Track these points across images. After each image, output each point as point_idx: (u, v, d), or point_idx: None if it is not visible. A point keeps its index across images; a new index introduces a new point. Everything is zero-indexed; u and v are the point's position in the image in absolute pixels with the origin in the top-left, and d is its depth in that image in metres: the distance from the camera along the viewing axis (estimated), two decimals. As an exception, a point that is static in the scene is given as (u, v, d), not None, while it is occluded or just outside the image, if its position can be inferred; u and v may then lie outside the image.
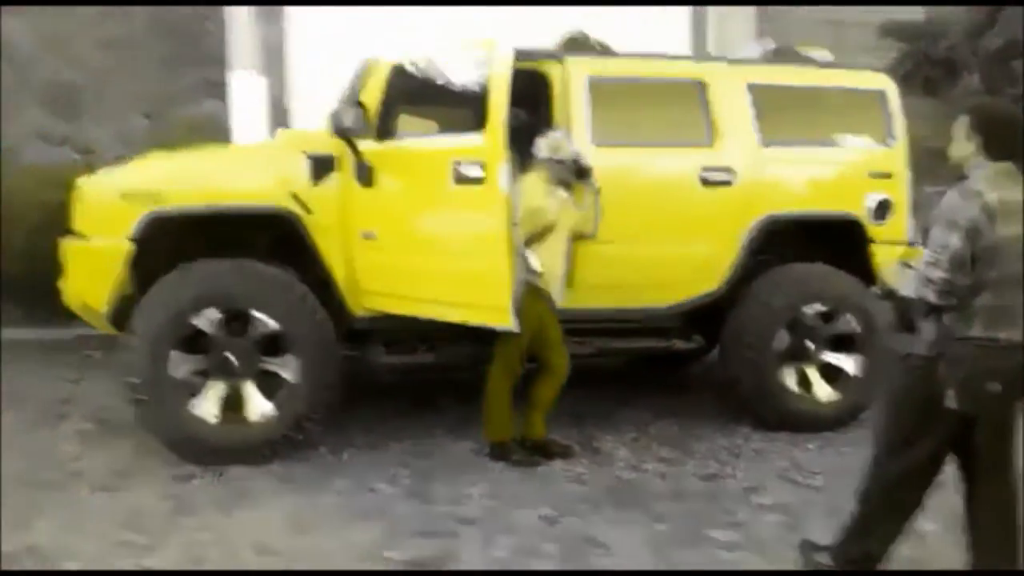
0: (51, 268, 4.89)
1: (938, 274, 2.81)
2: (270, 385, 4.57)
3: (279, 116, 8.42)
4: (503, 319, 4.16)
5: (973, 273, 2.79)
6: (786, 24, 9.46)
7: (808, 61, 5.59)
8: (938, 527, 3.65)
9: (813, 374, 5.23)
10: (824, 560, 3.24)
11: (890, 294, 3.14)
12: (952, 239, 2.79)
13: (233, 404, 4.54)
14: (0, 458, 4.49)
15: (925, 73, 9.23)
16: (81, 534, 3.64)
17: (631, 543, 3.62)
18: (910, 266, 3.07)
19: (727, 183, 5.12)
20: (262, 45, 8.37)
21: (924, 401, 2.95)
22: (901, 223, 5.33)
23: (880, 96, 5.50)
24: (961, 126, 2.97)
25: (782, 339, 5.11)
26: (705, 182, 5.10)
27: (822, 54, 5.76)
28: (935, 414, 2.91)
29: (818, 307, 5.14)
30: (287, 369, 4.54)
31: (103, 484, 4.22)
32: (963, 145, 2.95)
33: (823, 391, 5.21)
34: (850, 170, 5.38)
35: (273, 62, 8.51)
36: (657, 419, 5.41)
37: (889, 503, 3.09)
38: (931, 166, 2.94)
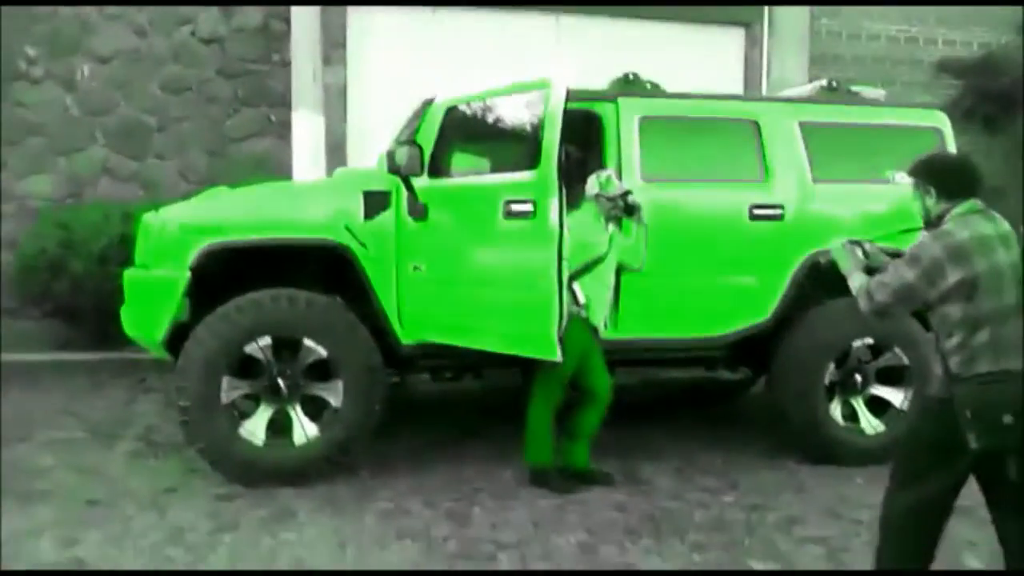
0: (111, 296, 5.05)
1: (881, 297, 2.91)
2: (316, 409, 4.67)
3: (338, 155, 8.64)
4: (549, 351, 4.18)
5: (961, 308, 2.81)
6: (840, 64, 9.47)
7: (861, 99, 5.57)
8: (981, 564, 3.62)
9: (860, 407, 5.17)
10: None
11: (833, 266, 3.24)
12: (909, 273, 2.85)
13: (279, 427, 4.63)
14: (51, 474, 4.68)
15: (983, 110, 9.10)
16: (126, 549, 3.74)
17: (667, 572, 3.57)
18: (859, 244, 3.18)
19: (777, 218, 5.11)
20: (324, 87, 8.61)
21: (936, 441, 2.94)
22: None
23: (935, 133, 5.46)
24: (914, 188, 3.04)
25: (831, 372, 5.07)
26: (755, 217, 5.10)
27: (876, 92, 5.73)
28: (948, 454, 2.89)
29: (868, 341, 5.08)
30: (333, 394, 4.64)
31: (150, 502, 4.33)
32: (925, 202, 3.01)
33: (869, 424, 5.15)
34: (903, 207, 5.30)
35: (334, 103, 8.74)
36: (701, 450, 5.37)
37: (902, 538, 3.04)
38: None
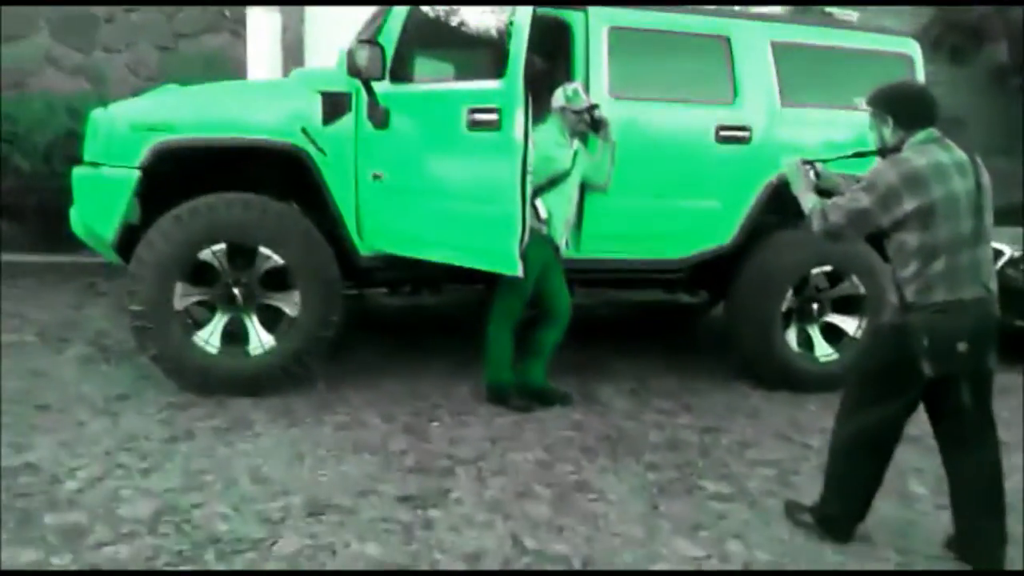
0: (58, 194, 4.88)
1: (835, 218, 2.98)
2: (272, 319, 4.60)
3: (295, 55, 8.35)
4: (510, 266, 4.13)
5: (918, 236, 2.85)
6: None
7: (834, 21, 5.49)
8: (927, 490, 3.73)
9: (815, 334, 5.25)
10: (807, 519, 3.31)
11: (785, 185, 3.36)
12: (865, 198, 2.91)
13: (235, 336, 4.56)
14: (0, 378, 4.55)
15: (952, 40, 9.09)
16: (79, 455, 3.68)
17: (622, 490, 3.64)
18: (812, 165, 3.26)
19: (744, 141, 5.06)
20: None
21: (888, 368, 3.03)
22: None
23: (906, 60, 5.43)
24: (871, 116, 3.08)
25: (788, 299, 5.12)
26: (721, 139, 5.04)
27: (849, 14, 5.65)
28: (900, 381, 2.96)
29: (826, 268, 5.12)
30: (290, 304, 4.56)
31: (103, 408, 4.26)
32: (882, 131, 3.04)
33: (823, 351, 5.22)
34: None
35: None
36: (657, 372, 5.42)
37: (850, 463, 3.15)
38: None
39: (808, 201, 3.12)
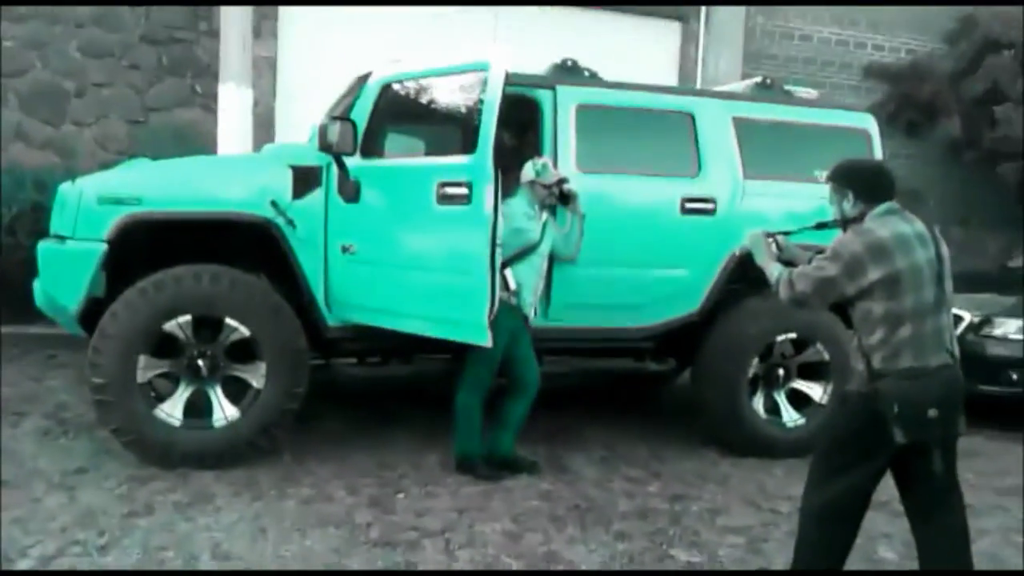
0: (22, 267, 4.83)
1: (802, 287, 3.01)
2: (237, 391, 4.55)
3: (266, 131, 8.43)
4: (479, 335, 4.14)
5: (883, 305, 2.89)
6: (772, 63, 9.65)
7: (794, 99, 5.66)
8: (896, 556, 3.72)
9: (782, 400, 5.29)
10: (779, 588, 3.26)
11: (748, 256, 3.39)
12: (831, 268, 2.95)
13: (198, 408, 4.49)
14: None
15: (907, 116, 9.39)
16: (33, 532, 3.58)
17: (592, 561, 3.59)
18: (774, 238, 3.34)
19: (709, 212, 5.16)
20: (254, 59, 8.38)
21: (856, 435, 3.03)
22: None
23: (863, 135, 5.58)
24: (832, 191, 3.15)
25: (755, 365, 5.16)
26: (687, 211, 5.13)
27: (808, 92, 5.84)
28: (868, 448, 2.97)
29: (791, 336, 5.18)
30: (255, 376, 4.53)
31: (60, 483, 4.16)
32: (843, 205, 3.11)
33: (790, 417, 5.26)
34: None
35: (264, 77, 8.52)
36: (626, 440, 5.40)
37: (820, 531, 3.12)
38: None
39: (774, 270, 3.17)
